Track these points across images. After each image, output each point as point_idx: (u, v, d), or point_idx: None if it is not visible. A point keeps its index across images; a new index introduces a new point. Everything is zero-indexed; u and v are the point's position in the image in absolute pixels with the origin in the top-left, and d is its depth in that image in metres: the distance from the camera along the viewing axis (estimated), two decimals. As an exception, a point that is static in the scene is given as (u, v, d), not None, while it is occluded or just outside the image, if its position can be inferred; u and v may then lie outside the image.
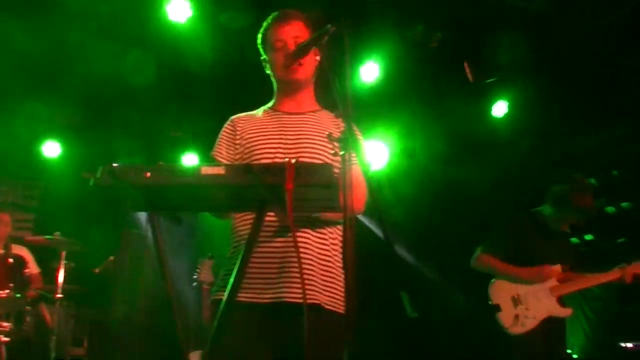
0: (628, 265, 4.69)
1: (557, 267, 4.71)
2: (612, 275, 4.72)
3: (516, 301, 4.65)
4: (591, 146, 6.81)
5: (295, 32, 2.76)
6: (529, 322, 4.59)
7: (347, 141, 2.08)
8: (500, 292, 4.72)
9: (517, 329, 4.58)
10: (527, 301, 4.64)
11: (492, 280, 4.82)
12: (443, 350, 7.52)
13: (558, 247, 4.84)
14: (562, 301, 4.70)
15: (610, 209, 7.11)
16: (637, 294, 6.15)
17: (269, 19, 2.85)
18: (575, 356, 6.42)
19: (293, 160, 1.84)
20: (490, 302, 4.70)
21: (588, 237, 7.41)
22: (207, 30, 5.80)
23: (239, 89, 6.37)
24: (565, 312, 4.70)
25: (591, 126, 6.57)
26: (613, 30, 5.44)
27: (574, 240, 7.05)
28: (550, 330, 4.61)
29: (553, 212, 4.77)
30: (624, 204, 7.05)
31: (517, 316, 4.60)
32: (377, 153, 7.25)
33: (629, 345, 6.22)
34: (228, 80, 6.50)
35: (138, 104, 6.78)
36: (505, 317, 4.62)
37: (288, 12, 2.83)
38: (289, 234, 2.52)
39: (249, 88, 5.64)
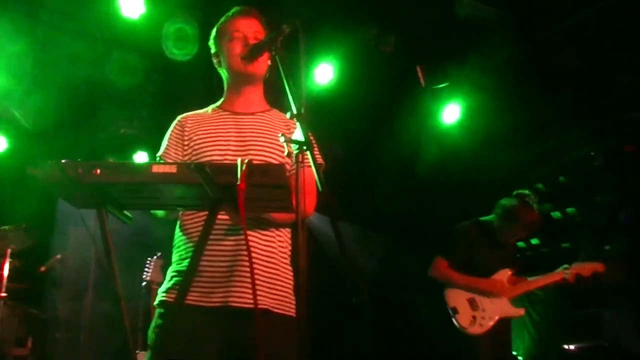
0: (570, 266, 4.91)
1: (507, 271, 4.91)
2: (556, 276, 4.93)
3: (473, 303, 4.79)
4: (538, 153, 6.94)
5: (255, 26, 2.76)
6: (486, 322, 4.74)
7: (299, 142, 2.07)
8: (457, 296, 4.85)
9: (475, 329, 4.73)
10: (482, 303, 4.80)
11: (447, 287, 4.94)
12: (406, 352, 7.55)
13: (505, 256, 5.02)
14: (513, 302, 4.88)
15: (556, 215, 7.26)
16: (580, 297, 6.33)
17: (229, 13, 2.83)
18: (520, 358, 6.52)
19: (246, 160, 1.83)
20: (446, 306, 4.82)
21: (534, 241, 7.55)
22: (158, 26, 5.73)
23: (186, 87, 6.32)
24: (518, 312, 4.91)
25: (539, 133, 6.69)
26: (562, 38, 5.54)
27: (520, 244, 7.19)
28: (499, 331, 4.76)
29: (503, 226, 4.92)
30: (569, 210, 7.21)
31: (474, 317, 4.75)
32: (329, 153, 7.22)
33: (572, 347, 6.36)
34: (177, 77, 6.43)
35: (88, 101, 6.64)
36: (463, 319, 4.76)
37: (248, 7, 2.83)
38: (237, 235, 2.49)
39: (197, 86, 5.61)
